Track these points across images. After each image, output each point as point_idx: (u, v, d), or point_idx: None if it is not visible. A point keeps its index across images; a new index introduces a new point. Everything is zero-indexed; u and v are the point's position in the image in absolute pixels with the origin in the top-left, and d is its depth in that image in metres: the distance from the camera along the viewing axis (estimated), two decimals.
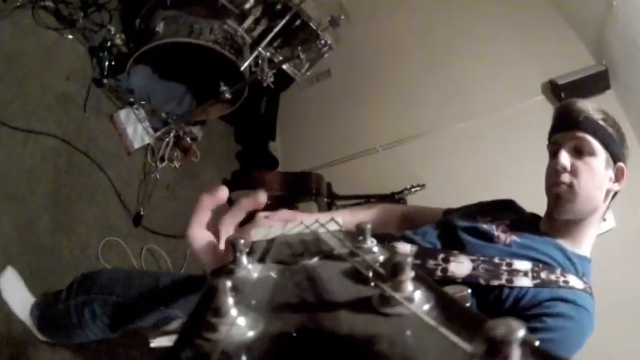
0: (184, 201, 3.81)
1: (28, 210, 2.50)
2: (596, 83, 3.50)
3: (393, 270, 0.38)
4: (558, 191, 1.48)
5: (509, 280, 1.32)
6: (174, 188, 3.74)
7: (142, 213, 3.20)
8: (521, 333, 0.27)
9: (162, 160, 3.55)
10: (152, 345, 1.71)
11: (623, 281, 2.90)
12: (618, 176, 1.51)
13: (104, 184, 3.06)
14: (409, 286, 0.38)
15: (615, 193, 1.55)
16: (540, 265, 1.37)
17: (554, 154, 1.53)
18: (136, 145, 3.34)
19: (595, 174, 1.46)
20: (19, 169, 2.51)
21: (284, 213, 1.36)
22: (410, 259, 0.38)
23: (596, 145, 1.45)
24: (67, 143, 2.84)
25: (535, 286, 1.31)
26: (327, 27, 2.98)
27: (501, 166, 3.64)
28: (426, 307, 0.37)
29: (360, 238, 0.56)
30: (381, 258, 0.50)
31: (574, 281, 1.36)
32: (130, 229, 3.18)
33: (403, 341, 0.33)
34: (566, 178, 1.47)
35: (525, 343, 0.28)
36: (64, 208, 2.71)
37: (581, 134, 1.46)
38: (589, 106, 1.50)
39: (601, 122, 1.47)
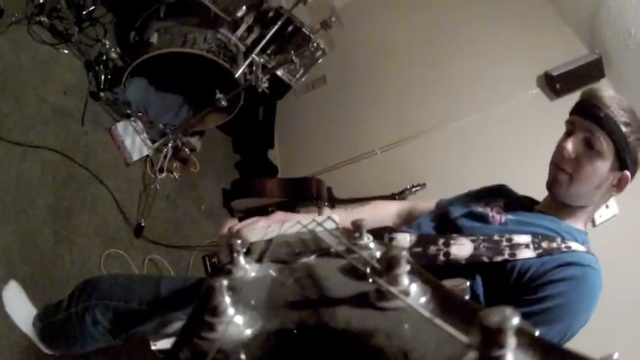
0: (185, 211, 3.81)
1: (29, 223, 2.50)
2: (590, 72, 3.48)
3: (388, 264, 0.38)
4: (557, 175, 1.49)
5: (512, 254, 1.30)
6: (175, 199, 3.74)
7: (142, 224, 3.20)
8: (515, 321, 0.27)
9: (161, 171, 3.54)
10: (153, 348, 1.70)
11: (627, 272, 2.89)
12: (621, 184, 1.47)
13: (104, 196, 3.06)
14: (405, 280, 0.38)
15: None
16: (539, 236, 1.36)
17: (567, 134, 1.51)
18: (135, 156, 3.34)
19: (596, 175, 1.43)
20: (18, 182, 2.52)
21: (279, 215, 1.35)
22: (405, 253, 0.38)
23: (607, 146, 1.40)
24: (66, 156, 2.84)
25: (538, 255, 1.30)
26: (320, 30, 2.98)
27: (501, 161, 3.63)
28: (423, 299, 0.37)
29: (356, 234, 0.56)
30: (378, 254, 0.50)
31: (575, 246, 1.35)
32: (132, 240, 3.17)
33: (400, 334, 0.33)
34: (568, 166, 1.46)
35: (522, 332, 0.28)
36: (65, 220, 2.71)
37: (596, 129, 1.42)
38: (615, 104, 1.42)
39: (622, 127, 1.40)
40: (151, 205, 3.41)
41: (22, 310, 2.16)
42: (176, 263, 3.45)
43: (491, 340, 0.26)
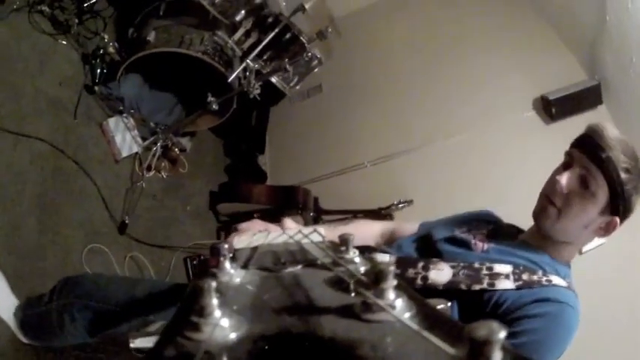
0: (170, 211, 3.79)
1: (15, 212, 2.49)
2: (588, 98, 3.47)
3: (376, 277, 0.39)
4: (546, 206, 1.46)
5: (491, 284, 1.29)
6: (161, 198, 3.72)
7: (126, 221, 3.19)
8: (502, 334, 0.27)
9: (149, 169, 3.53)
10: (132, 346, 1.70)
11: (611, 299, 2.89)
12: (608, 228, 1.43)
13: (91, 191, 3.05)
14: (391, 294, 0.38)
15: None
16: (521, 267, 1.34)
17: (564, 165, 1.48)
18: (124, 153, 3.33)
19: (585, 215, 1.41)
20: (7, 171, 2.50)
21: (256, 223, 1.35)
22: (392, 267, 0.39)
23: (602, 189, 1.37)
24: (56, 148, 2.83)
25: (517, 287, 1.28)
26: (315, 39, 2.98)
27: (490, 182, 3.63)
28: (408, 314, 0.37)
29: (343, 248, 0.57)
30: (362, 268, 0.50)
31: (557, 280, 1.33)
32: (115, 236, 3.16)
33: (385, 346, 0.33)
34: (558, 200, 1.43)
35: (506, 350, 0.29)
36: (51, 212, 2.70)
37: (594, 170, 1.37)
38: (619, 147, 1.37)
39: (622, 173, 1.35)
40: (136, 202, 3.39)
41: (3, 299, 2.16)
42: (157, 262, 3.43)
43: (478, 352, 0.27)
